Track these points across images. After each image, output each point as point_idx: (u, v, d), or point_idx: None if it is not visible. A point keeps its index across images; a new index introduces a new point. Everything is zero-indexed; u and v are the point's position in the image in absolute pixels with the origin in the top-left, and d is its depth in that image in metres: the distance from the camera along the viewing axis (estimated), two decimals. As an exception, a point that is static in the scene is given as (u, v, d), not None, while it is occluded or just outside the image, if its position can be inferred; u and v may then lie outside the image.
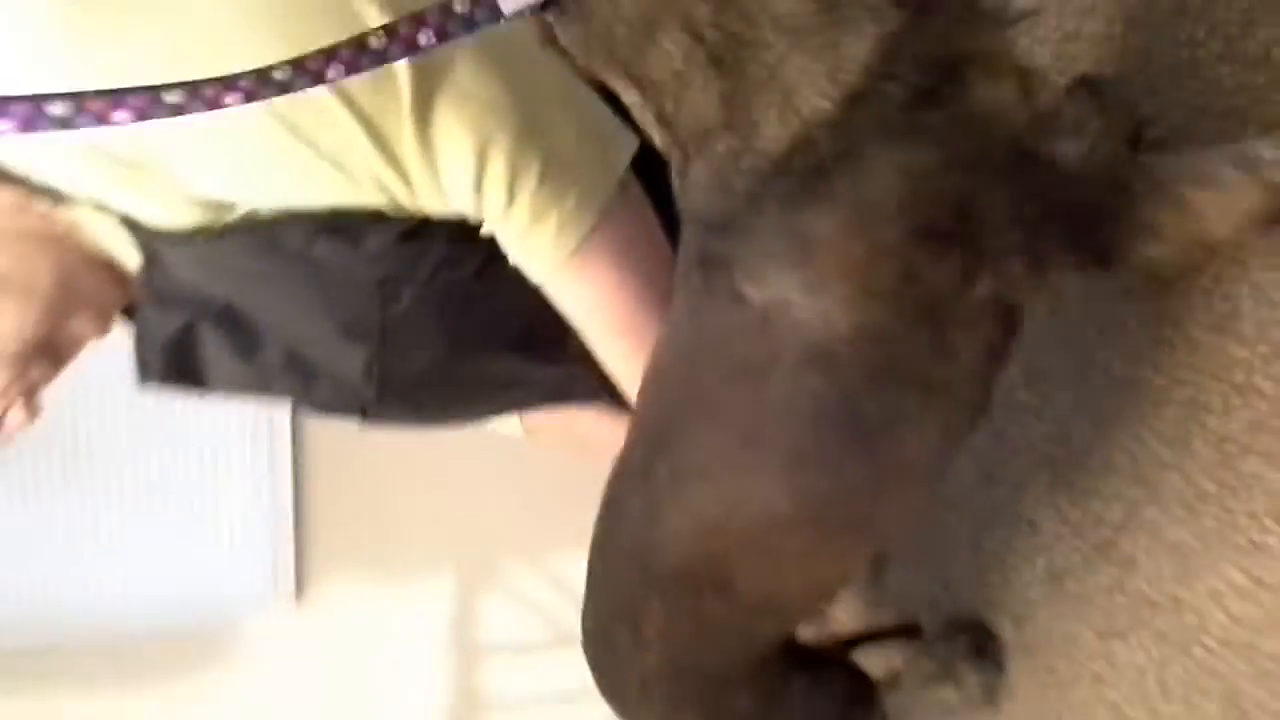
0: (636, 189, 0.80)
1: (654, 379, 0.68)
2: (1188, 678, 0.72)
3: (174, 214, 0.78)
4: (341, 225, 0.80)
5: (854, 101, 0.50)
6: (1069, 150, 0.55)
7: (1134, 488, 0.75)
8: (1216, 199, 0.55)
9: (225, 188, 0.76)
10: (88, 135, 0.68)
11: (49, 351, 0.85)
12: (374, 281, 0.85)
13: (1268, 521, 0.65)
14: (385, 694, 2.06)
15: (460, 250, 0.83)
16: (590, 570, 0.73)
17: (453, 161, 0.74)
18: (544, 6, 0.53)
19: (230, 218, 0.79)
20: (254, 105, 0.54)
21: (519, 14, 0.52)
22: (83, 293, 0.85)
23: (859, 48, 0.50)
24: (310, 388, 0.91)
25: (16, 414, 0.84)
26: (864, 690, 0.81)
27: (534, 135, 0.73)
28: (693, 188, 0.57)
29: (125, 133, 0.54)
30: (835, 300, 0.54)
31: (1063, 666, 0.84)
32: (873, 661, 0.85)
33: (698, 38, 0.52)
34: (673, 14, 0.52)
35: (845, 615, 0.86)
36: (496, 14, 0.51)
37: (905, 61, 0.50)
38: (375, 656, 2.04)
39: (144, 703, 1.96)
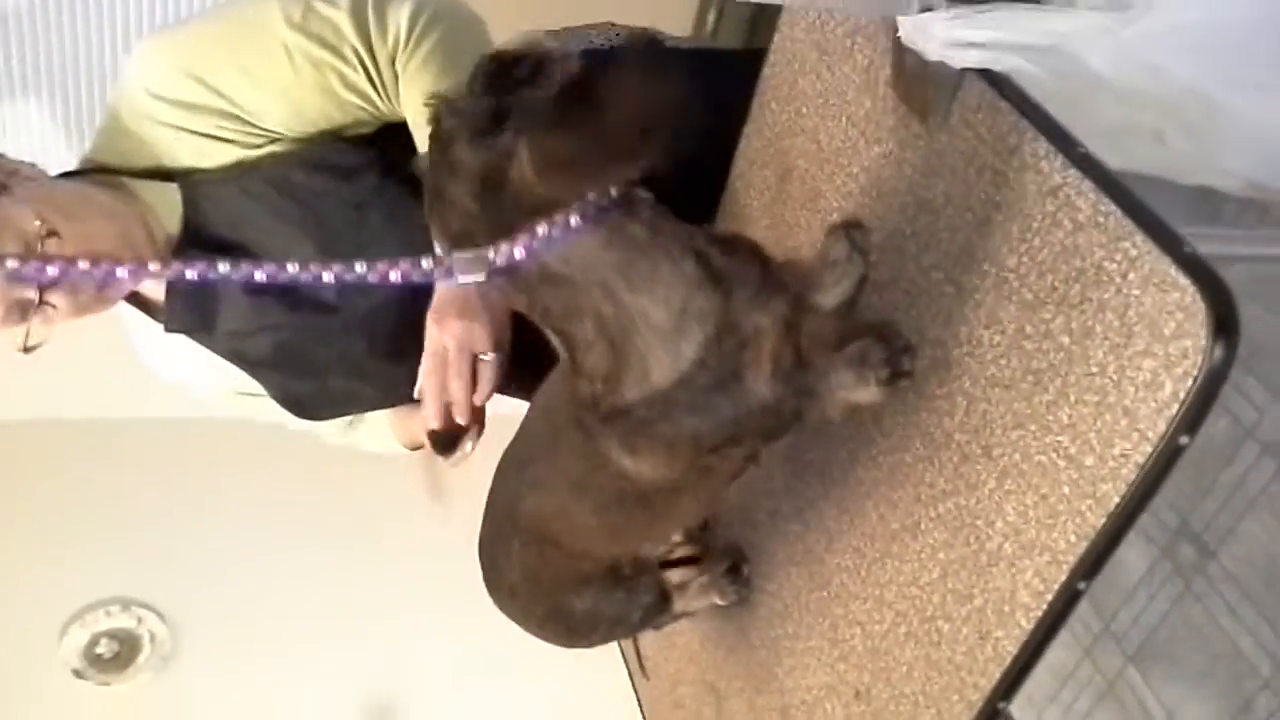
0: None
1: (531, 418, 1.07)
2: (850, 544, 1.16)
3: (215, 155, 1.20)
4: (332, 164, 1.21)
5: (680, 383, 0.87)
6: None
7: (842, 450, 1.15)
8: (854, 394, 0.92)
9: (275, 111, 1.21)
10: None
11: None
12: (352, 205, 1.24)
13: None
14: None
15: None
16: (486, 508, 1.14)
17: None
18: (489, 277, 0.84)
19: (257, 154, 1.21)
20: None
21: (469, 280, 0.83)
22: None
23: (690, 347, 0.85)
24: (294, 312, 1.28)
25: (42, 329, 1.18)
26: (664, 596, 1.22)
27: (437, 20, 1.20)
28: (582, 390, 0.92)
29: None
30: (646, 469, 0.93)
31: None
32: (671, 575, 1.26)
33: (603, 328, 0.85)
34: (590, 311, 0.85)
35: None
36: (451, 275, 0.83)
37: (711, 358, 0.86)
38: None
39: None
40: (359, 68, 1.20)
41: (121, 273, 0.80)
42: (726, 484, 1.05)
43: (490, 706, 2.90)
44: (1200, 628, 1.86)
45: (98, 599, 2.77)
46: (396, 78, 1.21)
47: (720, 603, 1.30)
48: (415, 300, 1.28)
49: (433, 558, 2.66)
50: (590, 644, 1.25)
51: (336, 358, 1.35)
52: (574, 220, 0.82)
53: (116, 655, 2.75)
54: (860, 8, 0.97)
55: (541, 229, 0.82)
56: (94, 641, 2.74)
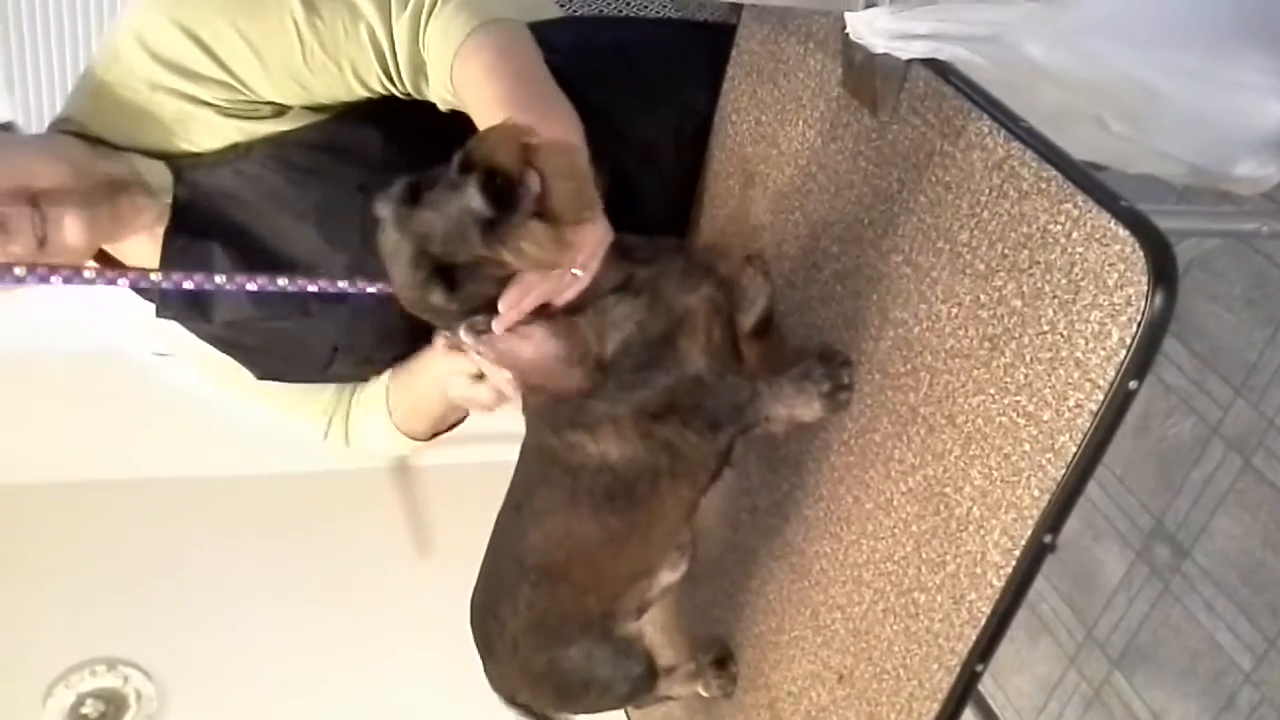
0: (526, 34, 1.14)
1: (519, 464, 1.11)
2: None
3: (216, 136, 1.16)
4: (334, 142, 1.17)
5: (624, 347, 0.96)
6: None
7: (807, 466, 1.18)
8: (797, 409, 1.00)
9: (279, 87, 1.15)
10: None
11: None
12: (355, 185, 1.17)
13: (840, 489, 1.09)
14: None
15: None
16: (483, 574, 1.17)
17: None
18: None
19: (257, 136, 1.16)
20: None
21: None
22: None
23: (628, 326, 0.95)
24: (299, 305, 1.21)
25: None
26: (652, 671, 1.24)
27: None
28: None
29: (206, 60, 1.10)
30: (611, 448, 1.00)
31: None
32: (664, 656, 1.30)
33: None
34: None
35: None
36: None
37: (641, 339, 0.96)
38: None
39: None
40: (370, 48, 1.13)
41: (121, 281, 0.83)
42: (704, 479, 1.08)
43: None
44: (1180, 627, 1.89)
45: (83, 659, 2.74)
46: (418, 47, 1.12)
47: (703, 694, 1.33)
48: None
49: (421, 612, 2.65)
50: (577, 710, 1.27)
51: (347, 346, 1.29)
52: None
53: (103, 715, 2.71)
54: (809, 3, 1.02)
55: None
56: (79, 702, 2.69)
